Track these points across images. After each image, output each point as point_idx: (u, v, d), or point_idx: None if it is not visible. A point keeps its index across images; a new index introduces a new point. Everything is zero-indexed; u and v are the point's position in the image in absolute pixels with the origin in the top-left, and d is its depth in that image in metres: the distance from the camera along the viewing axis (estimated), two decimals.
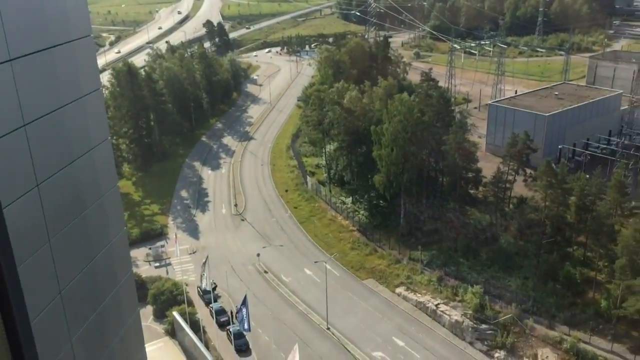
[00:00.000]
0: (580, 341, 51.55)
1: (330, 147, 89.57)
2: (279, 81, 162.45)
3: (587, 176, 63.87)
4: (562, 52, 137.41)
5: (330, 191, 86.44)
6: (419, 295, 61.27)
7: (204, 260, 54.44)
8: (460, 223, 69.78)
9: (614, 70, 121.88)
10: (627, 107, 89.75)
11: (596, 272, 58.75)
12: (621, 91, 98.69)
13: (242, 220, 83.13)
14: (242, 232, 79.90)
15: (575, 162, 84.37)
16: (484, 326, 55.27)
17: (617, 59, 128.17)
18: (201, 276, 57.32)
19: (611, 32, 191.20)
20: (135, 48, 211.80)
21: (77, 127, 18.37)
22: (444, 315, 57.56)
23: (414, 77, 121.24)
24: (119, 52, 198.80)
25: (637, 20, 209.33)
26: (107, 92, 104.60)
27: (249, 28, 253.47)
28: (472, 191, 77.00)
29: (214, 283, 63.53)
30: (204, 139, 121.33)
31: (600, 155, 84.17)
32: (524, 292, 57.63)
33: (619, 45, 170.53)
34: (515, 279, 60.12)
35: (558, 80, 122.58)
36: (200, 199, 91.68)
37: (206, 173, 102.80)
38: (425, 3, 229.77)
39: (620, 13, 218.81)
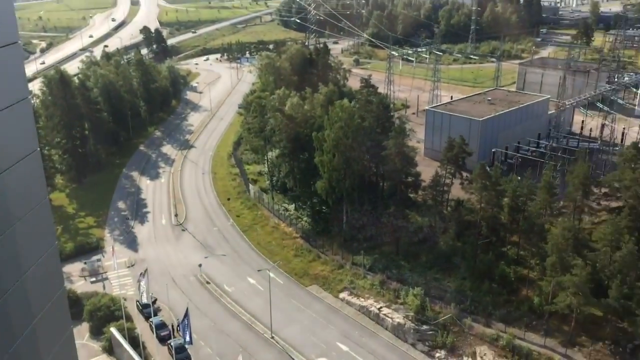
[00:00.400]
0: (516, 337, 53.60)
1: (272, 154, 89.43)
2: (220, 88, 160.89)
3: (519, 178, 66.73)
4: (494, 59, 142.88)
5: (272, 198, 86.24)
6: (362, 299, 61.99)
7: (141, 272, 52.96)
8: (401, 227, 71.18)
9: (541, 76, 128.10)
10: (554, 111, 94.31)
11: (529, 270, 61.30)
12: (549, 96, 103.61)
13: (183, 230, 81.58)
14: (183, 242, 78.40)
15: (507, 165, 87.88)
16: (424, 327, 56.52)
17: (544, 65, 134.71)
18: (140, 289, 55.82)
19: (539, 40, 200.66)
20: (69, 55, 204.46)
21: (3, 138, 17.69)
22: (387, 318, 58.46)
23: (354, 83, 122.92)
24: (43, 63, 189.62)
25: (562, 29, 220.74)
26: (37, 100, 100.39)
27: (195, 32, 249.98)
28: (411, 195, 78.74)
29: (154, 296, 61.91)
30: (142, 148, 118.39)
31: (530, 157, 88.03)
32: (463, 292, 59.42)
33: (546, 52, 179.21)
34: (454, 279, 61.93)
35: (490, 86, 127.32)
36: (139, 210, 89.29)
37: (145, 183, 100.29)
38: (363, 11, 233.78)
39: (547, 22, 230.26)
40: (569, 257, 53.18)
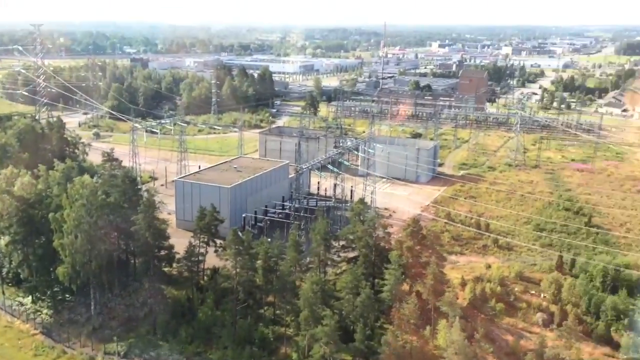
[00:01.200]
0: None
1: (1, 242, 78.10)
2: None
3: (269, 240, 70.40)
4: (236, 129, 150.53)
5: (3, 293, 74.69)
6: None
7: None
8: (157, 304, 68.14)
9: (280, 144, 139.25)
10: (293, 174, 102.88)
11: (285, 328, 64.08)
12: (288, 161, 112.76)
13: None
14: None
15: (258, 228, 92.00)
16: None
17: (281, 133, 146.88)
18: None
19: (274, 110, 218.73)
20: None
21: None
22: None
23: (95, 158, 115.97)
24: None
25: (293, 101, 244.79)
26: None
27: None
28: (166, 269, 76.36)
29: None
30: None
31: (278, 219, 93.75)
32: None
33: (282, 121, 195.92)
34: (216, 350, 61.14)
35: (235, 154, 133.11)
36: None
37: None
38: (101, 83, 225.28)
39: (280, 94, 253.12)
40: (319, 309, 57.33)
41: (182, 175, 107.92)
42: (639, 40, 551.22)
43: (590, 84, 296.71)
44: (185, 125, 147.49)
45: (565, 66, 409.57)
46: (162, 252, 73.51)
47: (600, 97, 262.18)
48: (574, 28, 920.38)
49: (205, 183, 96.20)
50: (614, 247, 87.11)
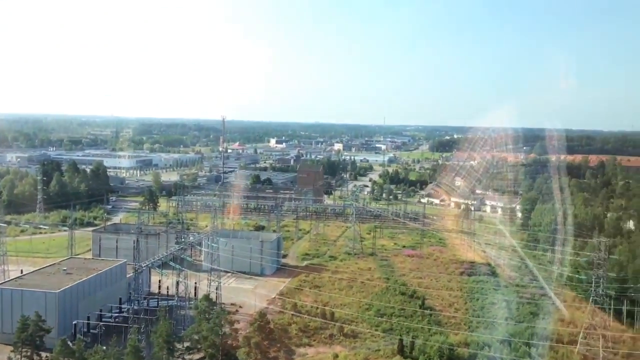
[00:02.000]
0: None
1: None
2: None
3: (104, 348, 64.23)
4: (66, 228, 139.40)
5: None
6: None
7: None
8: None
9: (116, 242, 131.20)
10: (132, 274, 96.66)
11: None
12: (125, 260, 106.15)
13: None
14: None
15: (92, 336, 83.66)
16: None
17: (118, 231, 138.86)
18: None
19: (110, 207, 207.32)
20: None
21: None
22: None
23: None
24: None
25: (131, 196, 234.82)
26: None
27: None
28: None
29: None
30: None
31: (114, 324, 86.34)
32: None
33: (118, 218, 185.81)
34: None
35: (65, 255, 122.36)
36: None
37: None
38: None
39: (116, 190, 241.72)
40: None
41: (1, 282, 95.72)
42: (448, 139, 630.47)
43: (412, 177, 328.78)
44: (5, 225, 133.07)
45: (390, 161, 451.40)
46: None
47: (421, 188, 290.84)
48: (394, 127, 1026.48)
49: (29, 289, 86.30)
50: (446, 327, 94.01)
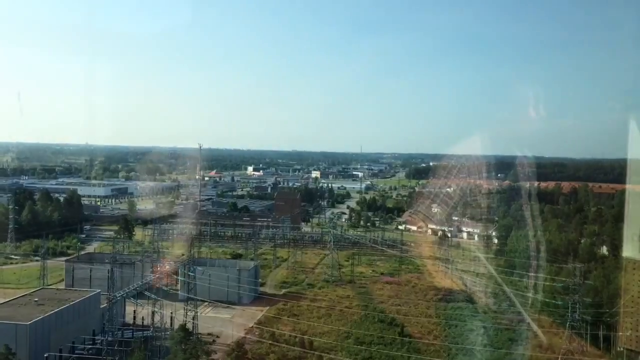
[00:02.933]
0: None
1: None
2: None
3: None
4: (38, 258, 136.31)
5: None
6: None
7: None
8: None
9: (90, 271, 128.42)
10: (105, 304, 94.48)
11: None
12: (99, 290, 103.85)
13: None
14: None
15: None
16: None
17: (92, 260, 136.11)
18: None
19: (83, 236, 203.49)
20: None
21: None
22: None
23: None
24: None
25: (105, 225, 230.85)
26: None
27: None
28: None
29: None
30: None
31: (88, 356, 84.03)
32: None
33: (92, 247, 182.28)
34: None
35: (36, 286, 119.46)
36: None
37: None
38: None
39: (90, 219, 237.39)
40: None
41: None
42: (424, 166, 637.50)
43: (389, 204, 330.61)
44: None
45: (367, 188, 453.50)
46: None
47: (398, 215, 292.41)
48: (371, 155, 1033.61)
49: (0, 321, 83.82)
50: (425, 355, 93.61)
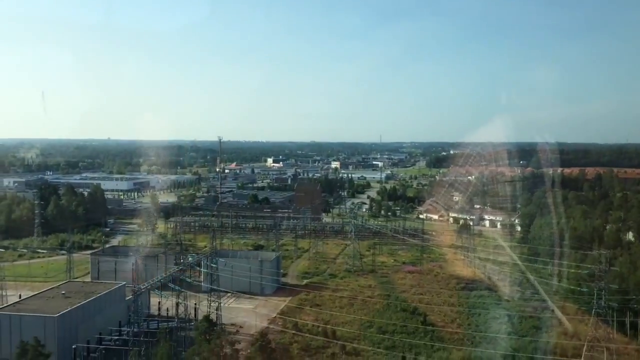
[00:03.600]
0: None
1: None
2: None
3: None
4: (64, 252, 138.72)
5: None
6: None
7: None
8: None
9: (115, 264, 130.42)
10: (131, 296, 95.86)
11: None
12: (124, 283, 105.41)
13: None
14: None
15: None
16: None
17: (116, 253, 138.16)
18: None
19: (108, 229, 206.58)
20: None
21: None
22: None
23: None
24: None
25: (129, 218, 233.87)
26: None
27: None
28: None
29: None
30: None
31: (114, 347, 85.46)
32: None
33: (116, 241, 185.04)
34: None
35: (63, 279, 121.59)
36: None
37: None
38: None
39: (113, 213, 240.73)
40: None
41: None
42: (444, 155, 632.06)
43: (409, 193, 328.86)
44: (3, 250, 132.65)
45: (387, 178, 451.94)
46: None
47: (419, 204, 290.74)
48: (391, 145, 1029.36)
49: (27, 314, 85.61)
50: (449, 343, 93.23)
